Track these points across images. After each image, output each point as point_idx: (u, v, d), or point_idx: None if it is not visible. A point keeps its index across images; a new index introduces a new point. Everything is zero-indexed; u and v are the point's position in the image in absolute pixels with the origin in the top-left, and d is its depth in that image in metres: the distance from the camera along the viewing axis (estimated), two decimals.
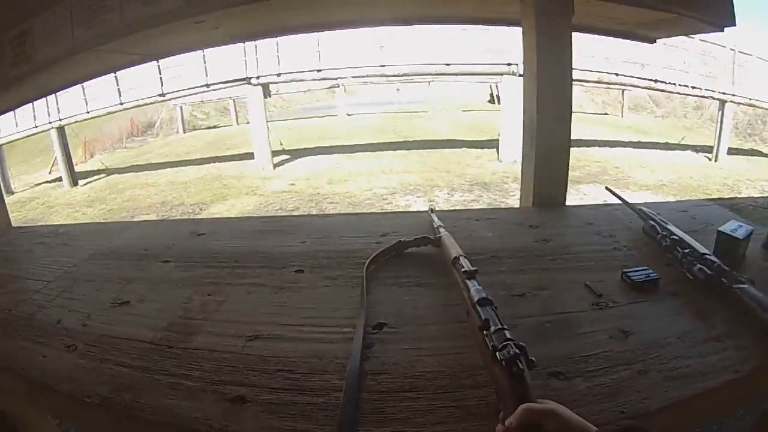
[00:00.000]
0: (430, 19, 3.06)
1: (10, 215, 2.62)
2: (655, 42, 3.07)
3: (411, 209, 9.57)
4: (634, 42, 3.07)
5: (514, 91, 13.36)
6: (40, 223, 10.84)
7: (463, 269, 1.46)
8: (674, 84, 15.55)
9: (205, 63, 13.76)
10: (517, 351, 1.04)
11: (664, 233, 1.83)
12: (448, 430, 1.11)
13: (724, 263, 1.59)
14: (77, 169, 15.34)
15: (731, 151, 15.32)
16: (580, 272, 1.73)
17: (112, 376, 1.29)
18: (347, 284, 1.72)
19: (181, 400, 1.19)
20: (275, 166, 13.69)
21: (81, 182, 14.54)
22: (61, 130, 15.06)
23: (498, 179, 12.15)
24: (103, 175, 15.01)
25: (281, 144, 15.21)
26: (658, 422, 1.14)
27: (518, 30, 2.52)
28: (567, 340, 1.38)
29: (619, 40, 3.05)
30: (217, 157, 14.83)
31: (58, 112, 14.74)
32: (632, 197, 9.69)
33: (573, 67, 2.40)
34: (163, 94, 14.40)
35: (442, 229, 1.86)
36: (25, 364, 1.36)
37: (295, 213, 9.58)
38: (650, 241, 1.91)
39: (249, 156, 14.17)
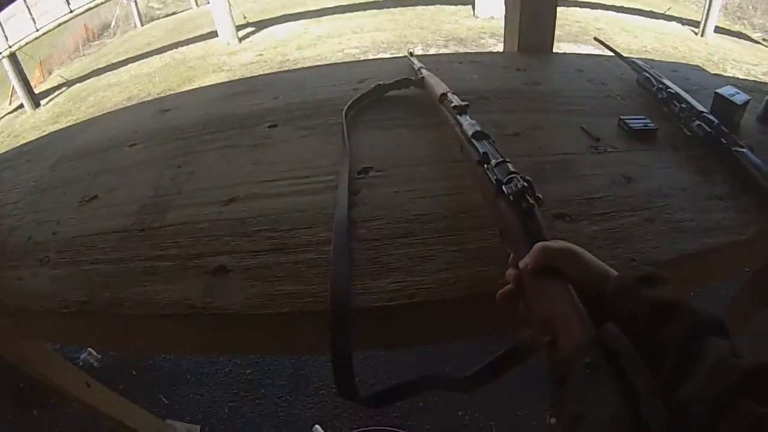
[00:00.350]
0: None
1: None
2: None
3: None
4: None
5: None
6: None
7: (452, 104, 1.33)
8: None
9: None
10: (525, 184, 0.93)
11: (660, 86, 1.73)
12: (451, 277, 1.02)
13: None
14: (37, 90, 14.89)
15: (718, 30, 15.01)
16: (575, 115, 1.63)
17: (87, 277, 1.17)
18: (326, 132, 1.58)
19: (158, 284, 1.08)
20: (240, 39, 13.25)
21: (42, 102, 14.14)
22: (12, 56, 14.41)
23: (474, 35, 11.72)
24: (63, 89, 14.56)
25: (245, 17, 14.76)
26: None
27: None
28: (568, 181, 1.30)
29: None
30: (179, 42, 14.31)
31: (6, 40, 14.15)
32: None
33: None
34: None
35: (424, 70, 1.73)
36: (2, 293, 1.23)
37: None
38: (645, 93, 1.80)
39: (213, 35, 13.77)
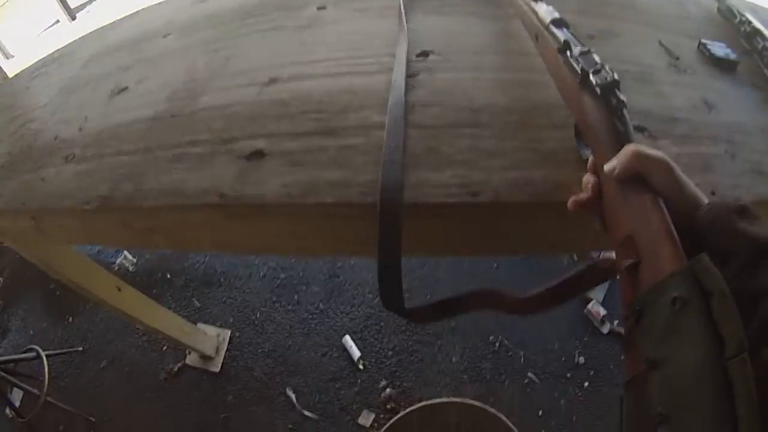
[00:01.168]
0: None
1: None
2: None
3: None
4: None
5: None
6: None
7: None
8: None
9: None
10: (615, 76, 0.79)
11: (743, 19, 1.56)
12: (521, 178, 0.88)
13: None
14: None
15: None
16: (652, 28, 1.45)
17: (111, 170, 1.07)
18: (380, 14, 1.40)
19: (186, 172, 0.97)
20: None
21: (79, 15, 14.07)
22: None
23: None
24: None
25: None
26: None
27: None
28: (649, 95, 1.14)
29: None
30: None
31: None
32: None
33: None
34: None
35: None
36: (26, 197, 1.13)
37: None
38: (725, 23, 1.62)
39: None
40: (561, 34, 0.93)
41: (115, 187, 1.01)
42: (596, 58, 0.84)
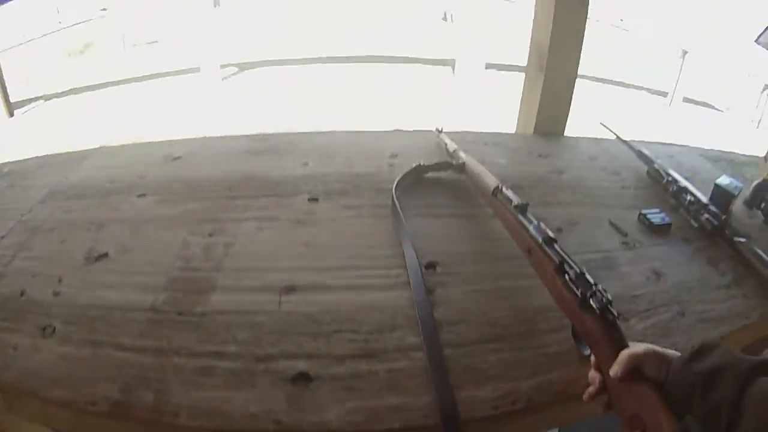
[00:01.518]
0: None
1: None
2: None
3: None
4: None
5: None
6: None
7: (513, 203, 1.27)
8: None
9: None
10: (609, 297, 0.95)
11: (669, 179, 1.86)
12: (542, 382, 1.01)
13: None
14: (12, 99, 14.51)
15: None
16: (601, 208, 1.70)
17: (116, 367, 0.96)
18: (373, 214, 1.49)
19: (222, 390, 0.91)
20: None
21: (18, 112, 13.68)
22: None
23: None
24: (41, 101, 14.28)
25: None
26: None
27: None
28: (614, 281, 1.32)
29: None
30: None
31: None
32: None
33: None
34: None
35: (462, 154, 1.69)
36: None
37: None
38: (654, 183, 1.93)
39: None
40: (554, 254, 1.06)
41: (129, 391, 0.91)
42: (590, 278, 0.99)
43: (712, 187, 1.78)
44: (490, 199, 1.36)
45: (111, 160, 1.82)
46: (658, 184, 1.90)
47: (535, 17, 2.28)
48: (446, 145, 1.79)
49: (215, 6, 13.14)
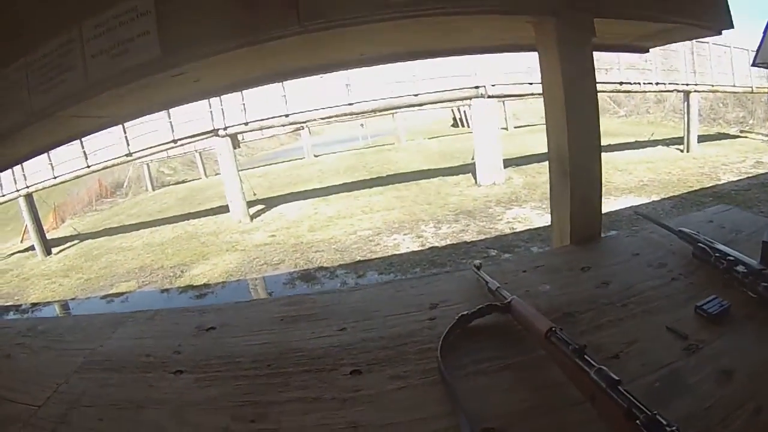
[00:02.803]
0: (436, 52, 2.84)
1: None
2: (648, 51, 3.04)
3: (401, 248, 9.75)
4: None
5: (483, 113, 14.06)
6: (16, 298, 10.93)
7: (570, 346, 1.21)
8: (639, 83, 16.01)
9: (170, 118, 13.64)
10: None
11: (717, 255, 1.74)
12: None
13: None
14: (49, 236, 15.43)
15: (700, 139, 15.77)
16: (655, 314, 1.58)
17: None
18: (422, 382, 1.38)
19: None
20: (252, 217, 13.68)
21: (54, 250, 14.57)
22: (29, 197, 15.10)
23: (481, 205, 12.30)
24: (76, 241, 15.11)
25: (254, 194, 15.22)
26: None
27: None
28: (683, 395, 1.22)
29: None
30: (191, 214, 15.00)
31: (25, 179, 14.79)
32: (617, 203, 9.90)
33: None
34: (130, 154, 14.28)
35: (505, 292, 1.61)
36: None
37: (281, 267, 9.63)
38: (701, 263, 1.81)
39: (223, 209, 14.28)
40: (621, 399, 1.00)
41: None
42: (661, 419, 0.91)
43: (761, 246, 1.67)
44: (544, 343, 1.31)
45: (143, 329, 1.82)
46: (707, 264, 1.79)
47: (549, 125, 2.32)
48: (487, 283, 1.74)
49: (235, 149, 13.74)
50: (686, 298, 1.61)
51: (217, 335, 1.71)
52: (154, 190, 21.84)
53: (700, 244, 1.84)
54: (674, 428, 0.89)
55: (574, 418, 1.17)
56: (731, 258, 1.69)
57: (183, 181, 23.05)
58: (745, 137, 16.77)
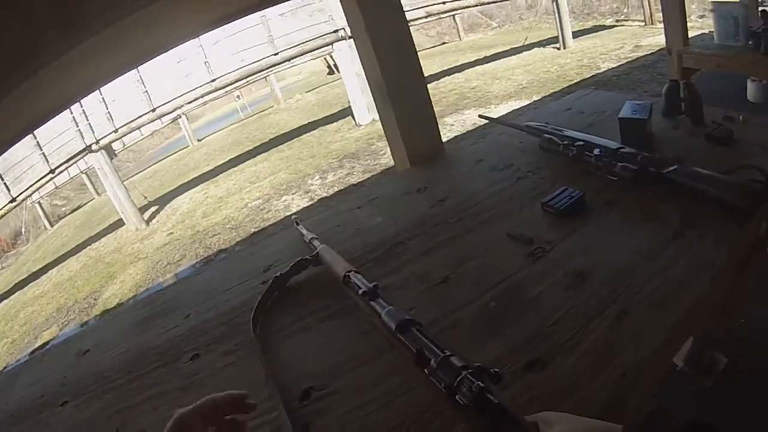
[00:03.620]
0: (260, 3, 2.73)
1: None
2: None
3: (291, 208, 9.77)
4: None
5: (349, 55, 13.73)
6: None
7: (360, 290, 1.21)
8: None
9: (41, 149, 12.98)
10: (480, 383, 0.80)
11: (565, 142, 1.72)
12: None
13: (640, 150, 1.53)
14: None
15: (576, 35, 16.07)
16: (495, 223, 1.56)
17: None
18: (251, 354, 1.39)
19: None
20: (147, 222, 13.29)
21: None
22: None
23: (363, 144, 12.38)
24: None
25: (145, 197, 14.83)
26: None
27: None
28: (523, 314, 1.17)
29: None
30: (91, 238, 14.39)
31: None
32: (499, 110, 10.07)
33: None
34: (14, 199, 13.64)
35: (316, 242, 1.62)
36: None
37: (183, 262, 9.46)
38: (553, 156, 1.79)
39: (120, 223, 13.78)
40: (411, 342, 0.98)
41: None
42: (455, 361, 0.87)
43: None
44: (345, 290, 1.28)
45: (39, 371, 1.78)
46: (557, 155, 1.76)
47: (362, 60, 2.30)
48: (303, 236, 1.70)
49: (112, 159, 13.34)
50: (533, 197, 1.59)
51: (92, 356, 1.72)
52: (52, 226, 21.02)
53: (547, 135, 1.82)
54: (470, 371, 0.84)
55: (391, 366, 1.15)
56: (581, 143, 1.66)
57: (78, 207, 22.30)
58: (621, 26, 17.15)
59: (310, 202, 9.51)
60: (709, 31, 5.67)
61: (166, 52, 2.61)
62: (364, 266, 1.53)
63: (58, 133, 13.08)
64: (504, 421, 0.76)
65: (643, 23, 16.12)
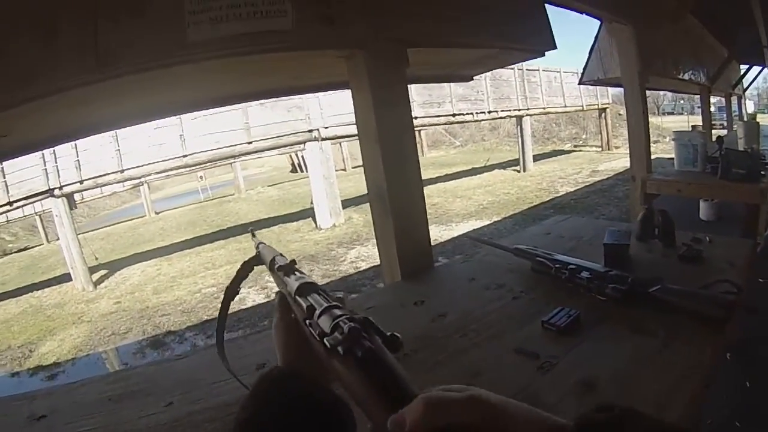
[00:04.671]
0: (248, 95, 2.77)
1: None
2: (472, 79, 3.12)
3: (247, 302, 9.51)
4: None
5: (318, 156, 14.41)
6: None
7: (277, 265, 1.13)
8: (472, 114, 16.57)
9: (4, 177, 12.86)
10: (354, 325, 0.71)
11: (557, 266, 1.81)
12: None
13: (622, 271, 1.68)
14: None
15: (536, 158, 16.51)
16: (500, 338, 1.58)
17: None
18: None
19: None
20: (95, 284, 13.06)
21: None
22: None
23: (323, 248, 12.41)
24: None
25: (96, 258, 14.59)
26: None
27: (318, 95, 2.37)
28: None
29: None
30: (34, 284, 14.14)
31: None
32: (459, 228, 10.19)
33: None
34: None
35: (261, 245, 1.51)
36: None
37: (128, 336, 9.19)
38: (542, 277, 1.89)
39: (67, 277, 13.56)
40: (306, 301, 0.89)
41: None
42: (337, 311, 0.79)
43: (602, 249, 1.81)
44: (274, 276, 1.20)
45: None
46: (548, 276, 1.85)
47: (365, 159, 2.30)
48: (255, 244, 1.56)
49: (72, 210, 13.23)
50: (530, 315, 1.63)
51: (49, 423, 1.55)
52: None
53: (539, 258, 1.91)
54: (344, 315, 0.76)
55: None
56: (573, 266, 1.76)
57: (25, 248, 21.79)
58: (579, 150, 17.79)
59: (267, 299, 9.34)
60: (662, 157, 6.00)
61: (179, 114, 2.62)
62: None
63: (24, 167, 13.04)
64: (380, 368, 0.66)
65: (600, 149, 16.78)
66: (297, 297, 0.93)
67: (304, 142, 14.58)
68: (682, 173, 4.76)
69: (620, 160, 14.77)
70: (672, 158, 5.05)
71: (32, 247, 21.84)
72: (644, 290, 1.57)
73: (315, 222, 14.56)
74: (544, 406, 1.14)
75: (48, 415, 1.57)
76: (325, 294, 0.91)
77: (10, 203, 13.24)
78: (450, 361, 1.48)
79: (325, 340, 0.73)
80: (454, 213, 13.09)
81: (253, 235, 1.77)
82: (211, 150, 14.02)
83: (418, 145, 26.01)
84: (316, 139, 14.26)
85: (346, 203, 15.33)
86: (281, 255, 1.26)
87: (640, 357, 1.34)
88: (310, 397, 0.76)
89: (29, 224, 24.47)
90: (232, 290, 1.48)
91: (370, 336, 0.71)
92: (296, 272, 1.06)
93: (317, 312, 0.81)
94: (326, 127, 14.61)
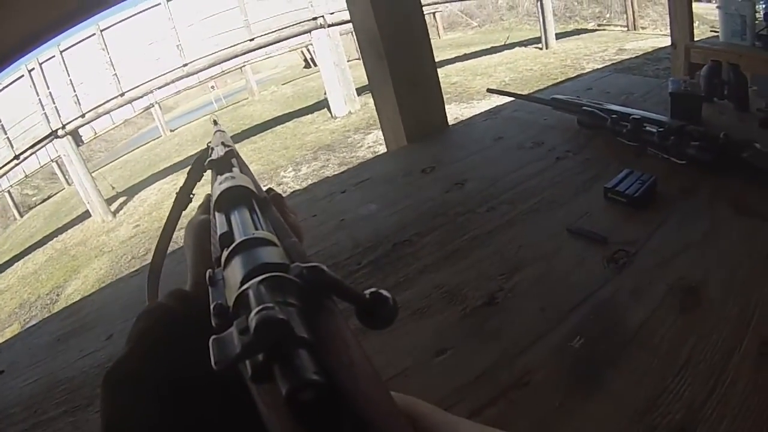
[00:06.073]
0: None
1: None
2: None
3: None
4: None
5: (327, 45, 13.73)
6: None
7: (208, 159, 0.82)
8: None
9: (6, 133, 12.62)
10: (276, 311, 0.30)
11: (614, 116, 1.41)
12: None
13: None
14: None
15: (558, 37, 16.11)
16: (544, 213, 1.17)
17: None
18: None
19: None
20: (114, 213, 13.02)
21: None
22: None
23: (339, 136, 12.14)
24: None
25: (113, 188, 14.43)
26: None
27: None
28: (629, 358, 0.77)
29: None
30: (58, 230, 14.03)
31: None
32: (480, 106, 9.81)
33: None
34: None
35: (218, 133, 1.11)
36: None
37: (148, 257, 9.03)
38: (593, 133, 1.49)
39: (87, 214, 13.53)
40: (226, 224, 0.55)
41: None
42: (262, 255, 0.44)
43: (668, 100, 1.43)
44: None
45: None
46: (603, 130, 1.45)
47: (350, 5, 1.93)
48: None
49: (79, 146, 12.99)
50: (585, 181, 1.23)
51: (4, 380, 1.30)
52: (21, 216, 20.51)
53: (587, 107, 1.52)
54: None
55: None
56: (637, 116, 1.36)
57: (48, 197, 21.88)
58: (603, 30, 17.24)
59: (282, 195, 9.24)
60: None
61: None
62: (356, 274, 1.10)
63: (24, 117, 12.69)
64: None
65: (626, 28, 16.25)
66: (215, 212, 0.58)
67: (309, 31, 13.91)
68: (729, 45, 4.11)
69: (648, 40, 14.08)
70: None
71: (55, 194, 21.92)
72: (734, 152, 1.17)
73: (330, 111, 14.15)
74: (629, 327, 0.81)
75: (5, 370, 1.33)
76: (267, 211, 0.56)
77: (17, 156, 12.99)
78: (472, 249, 1.07)
79: (213, 321, 0.37)
80: (474, 91, 12.47)
81: (215, 123, 1.38)
82: (212, 54, 13.45)
83: (433, 28, 25.41)
84: (322, 26, 13.64)
85: (363, 90, 14.72)
86: (227, 144, 0.92)
87: (752, 250, 0.92)
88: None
89: (49, 173, 24.42)
90: (183, 196, 1.15)
91: (324, 320, 0.34)
92: (233, 168, 0.73)
93: (226, 252, 0.44)
94: (331, 13, 13.86)
